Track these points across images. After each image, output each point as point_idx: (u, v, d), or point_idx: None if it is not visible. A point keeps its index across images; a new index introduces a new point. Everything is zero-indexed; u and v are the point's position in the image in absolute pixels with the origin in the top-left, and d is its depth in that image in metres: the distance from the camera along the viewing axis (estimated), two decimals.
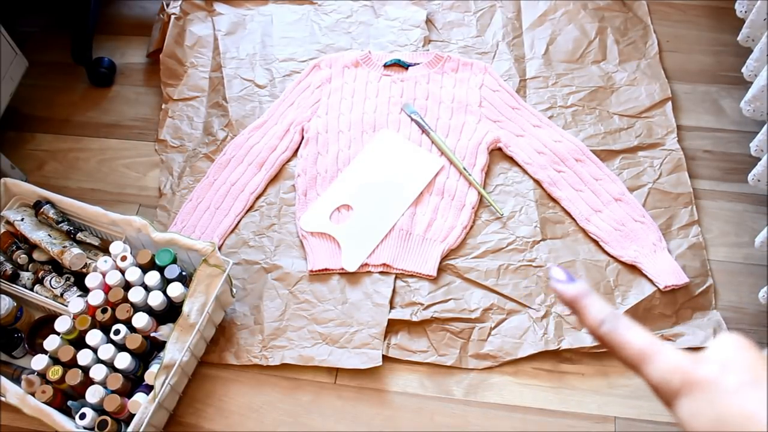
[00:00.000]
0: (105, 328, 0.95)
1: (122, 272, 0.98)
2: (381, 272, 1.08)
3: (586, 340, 1.01)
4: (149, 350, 0.96)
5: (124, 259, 0.98)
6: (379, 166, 1.18)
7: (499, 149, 1.21)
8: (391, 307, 1.05)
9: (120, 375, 0.91)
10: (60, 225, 1.04)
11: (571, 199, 1.13)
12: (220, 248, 1.12)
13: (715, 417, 0.25)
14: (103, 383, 0.91)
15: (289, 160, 1.22)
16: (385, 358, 1.01)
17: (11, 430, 0.99)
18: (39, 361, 0.92)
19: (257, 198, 1.18)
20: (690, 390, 0.26)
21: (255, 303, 1.07)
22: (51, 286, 1.02)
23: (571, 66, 1.30)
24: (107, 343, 0.94)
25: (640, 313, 1.02)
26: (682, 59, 1.32)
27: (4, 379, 0.91)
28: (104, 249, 1.06)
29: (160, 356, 0.94)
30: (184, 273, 0.99)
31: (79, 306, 0.95)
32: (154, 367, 0.94)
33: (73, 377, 0.91)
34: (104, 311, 0.95)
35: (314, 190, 1.17)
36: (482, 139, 1.20)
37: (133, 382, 0.95)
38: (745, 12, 1.21)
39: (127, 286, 0.98)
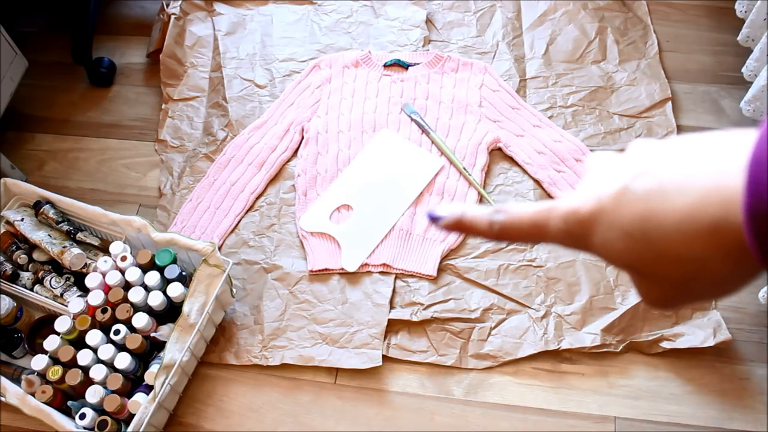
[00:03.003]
0: (105, 328, 0.95)
1: (122, 272, 0.98)
2: (381, 272, 1.08)
3: (586, 340, 1.01)
4: (149, 350, 0.96)
5: (124, 259, 0.98)
6: (379, 166, 1.18)
7: (499, 149, 1.21)
8: (391, 307, 1.05)
9: (120, 375, 0.91)
10: (60, 225, 1.04)
11: None
12: (220, 248, 1.12)
13: (619, 228, 0.25)
14: (103, 383, 0.91)
15: (289, 160, 1.22)
16: (385, 358, 1.01)
17: (11, 430, 0.99)
18: (39, 361, 0.92)
19: (257, 198, 1.18)
20: (588, 228, 0.26)
21: (255, 303, 1.07)
22: (51, 286, 1.02)
23: (571, 66, 1.30)
24: (107, 343, 0.94)
25: (640, 313, 1.02)
26: (682, 59, 1.32)
27: (4, 379, 0.91)
28: (104, 249, 1.06)
29: (160, 356, 0.94)
30: (184, 273, 0.99)
31: (79, 306, 0.95)
32: (154, 367, 0.94)
33: (73, 377, 0.91)
34: (104, 311, 0.95)
35: (314, 190, 1.17)
36: (482, 139, 1.20)
37: (133, 382, 0.95)
38: (745, 12, 1.21)
39: (127, 286, 0.98)
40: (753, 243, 0.21)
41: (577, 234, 0.27)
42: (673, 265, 0.24)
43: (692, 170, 0.23)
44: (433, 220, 0.32)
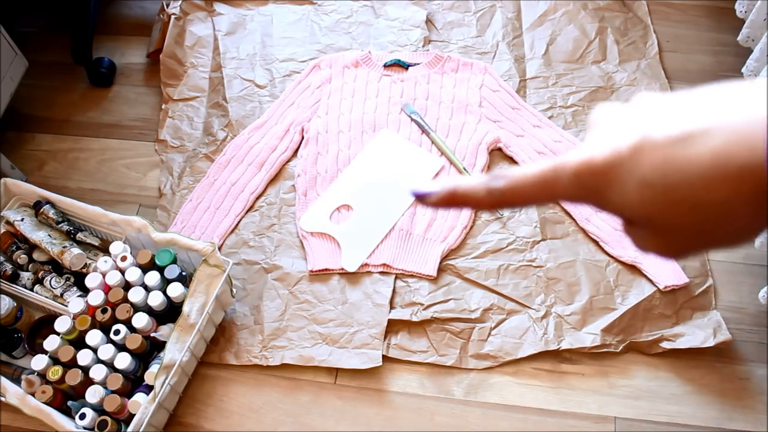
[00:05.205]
0: (105, 328, 0.95)
1: (122, 272, 0.98)
2: (381, 272, 1.08)
3: (586, 340, 1.01)
4: (149, 350, 0.96)
5: (124, 259, 0.98)
6: (379, 166, 1.18)
7: (499, 149, 1.21)
8: (391, 307, 1.05)
9: (120, 375, 0.91)
10: (60, 225, 1.04)
11: None
12: (220, 248, 1.12)
13: (638, 177, 0.24)
14: (103, 383, 0.91)
15: (289, 160, 1.22)
16: (385, 358, 1.01)
17: (11, 430, 0.99)
18: (39, 361, 0.92)
19: (257, 198, 1.18)
20: (603, 179, 0.25)
21: (255, 303, 1.07)
22: (51, 286, 1.02)
23: (571, 66, 1.30)
24: (107, 343, 0.94)
25: (640, 313, 1.02)
26: (682, 59, 1.32)
27: (4, 379, 0.91)
28: (104, 249, 1.06)
29: (160, 356, 0.94)
30: (184, 273, 0.99)
31: (79, 306, 0.95)
32: (154, 367, 0.94)
33: (73, 377, 0.91)
34: (104, 311, 0.95)
35: (314, 190, 1.17)
36: (482, 139, 1.20)
37: (133, 382, 0.95)
38: (745, 12, 1.21)
39: (127, 286, 0.98)
40: None
41: (590, 186, 0.26)
42: (692, 211, 0.23)
43: (715, 116, 0.23)
44: (420, 198, 0.30)
